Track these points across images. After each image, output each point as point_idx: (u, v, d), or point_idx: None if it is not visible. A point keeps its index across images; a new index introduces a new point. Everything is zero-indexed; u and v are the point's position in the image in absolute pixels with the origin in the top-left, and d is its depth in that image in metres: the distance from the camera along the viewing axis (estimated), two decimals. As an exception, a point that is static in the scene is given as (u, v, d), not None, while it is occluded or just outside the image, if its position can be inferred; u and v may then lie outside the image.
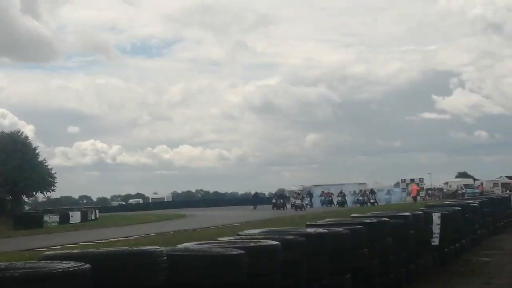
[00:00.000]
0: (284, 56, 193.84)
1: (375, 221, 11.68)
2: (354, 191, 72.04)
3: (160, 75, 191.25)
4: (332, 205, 67.80)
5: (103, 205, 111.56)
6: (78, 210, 64.88)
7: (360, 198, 67.37)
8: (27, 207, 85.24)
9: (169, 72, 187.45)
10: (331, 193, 71.30)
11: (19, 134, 74.94)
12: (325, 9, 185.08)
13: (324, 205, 68.32)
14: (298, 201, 62.01)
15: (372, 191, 69.33)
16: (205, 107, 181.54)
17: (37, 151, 75.09)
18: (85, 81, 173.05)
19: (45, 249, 22.01)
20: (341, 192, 70.07)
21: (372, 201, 66.44)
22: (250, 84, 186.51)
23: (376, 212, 15.22)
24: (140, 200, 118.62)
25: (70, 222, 55.40)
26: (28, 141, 74.69)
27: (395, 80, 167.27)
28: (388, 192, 76.49)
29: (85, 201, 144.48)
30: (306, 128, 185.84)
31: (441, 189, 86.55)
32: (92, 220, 60.86)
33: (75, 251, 6.69)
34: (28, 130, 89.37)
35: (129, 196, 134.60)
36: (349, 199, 70.19)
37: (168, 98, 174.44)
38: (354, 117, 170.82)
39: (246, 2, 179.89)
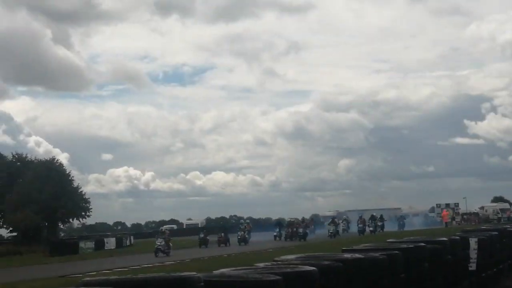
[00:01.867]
0: (316, 82, 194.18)
1: (412, 246, 11.58)
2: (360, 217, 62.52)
3: (192, 103, 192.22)
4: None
5: (138, 231, 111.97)
6: (113, 237, 65.31)
7: (360, 226, 59.55)
8: (62, 234, 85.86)
9: (201, 99, 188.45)
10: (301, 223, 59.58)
11: (55, 161, 75.81)
12: (356, 35, 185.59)
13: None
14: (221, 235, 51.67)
15: (372, 217, 62.24)
16: (237, 134, 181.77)
17: (71, 178, 75.90)
18: (118, 109, 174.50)
19: (81, 275, 22.15)
20: (303, 222, 61.31)
21: (371, 229, 59.57)
22: (282, 110, 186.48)
23: (412, 237, 15.10)
24: (174, 226, 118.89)
25: (105, 248, 55.79)
26: (62, 168, 75.53)
27: (426, 106, 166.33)
28: (402, 217, 70.00)
29: (119, 227, 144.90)
30: (338, 154, 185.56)
31: (477, 214, 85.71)
32: (127, 246, 61.17)
33: (113, 277, 6.72)
34: (62, 158, 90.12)
35: (163, 222, 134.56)
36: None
37: (200, 125, 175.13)
38: (386, 143, 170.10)
39: (277, 30, 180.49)
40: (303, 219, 65.15)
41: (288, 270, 7.58)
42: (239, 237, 52.41)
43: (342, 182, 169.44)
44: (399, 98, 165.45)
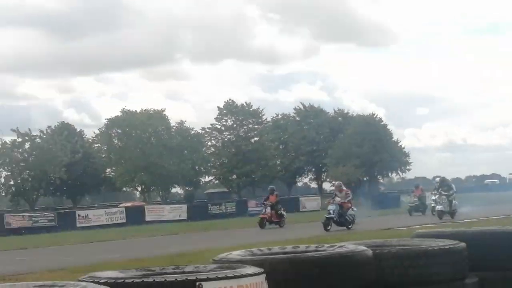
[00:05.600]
0: None
1: None
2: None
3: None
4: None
5: (458, 185, 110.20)
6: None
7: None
8: (382, 188, 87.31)
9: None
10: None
11: (374, 116, 77.15)
12: None
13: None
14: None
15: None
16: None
17: (390, 132, 76.84)
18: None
19: (405, 228, 22.70)
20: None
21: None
22: None
23: None
24: (497, 181, 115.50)
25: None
26: (381, 123, 76.62)
27: None
28: None
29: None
30: None
31: None
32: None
33: (447, 229, 6.82)
34: (379, 113, 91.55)
35: (484, 177, 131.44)
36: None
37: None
38: None
39: None
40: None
41: None
42: None
43: None
44: None
